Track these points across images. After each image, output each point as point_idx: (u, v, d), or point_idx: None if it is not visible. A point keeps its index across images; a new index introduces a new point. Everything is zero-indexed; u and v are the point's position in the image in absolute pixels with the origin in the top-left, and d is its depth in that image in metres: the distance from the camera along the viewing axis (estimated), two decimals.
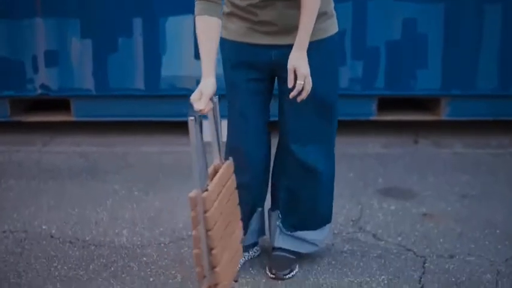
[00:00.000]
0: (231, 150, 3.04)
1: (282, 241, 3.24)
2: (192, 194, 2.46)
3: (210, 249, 2.51)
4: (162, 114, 5.15)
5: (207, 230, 2.49)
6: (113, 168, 4.59)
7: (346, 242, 3.53)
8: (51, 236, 3.58)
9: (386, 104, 5.17)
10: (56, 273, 3.21)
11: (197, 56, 4.89)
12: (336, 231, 3.63)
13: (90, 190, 4.20)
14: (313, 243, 3.26)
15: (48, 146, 5.03)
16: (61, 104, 5.22)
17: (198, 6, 2.82)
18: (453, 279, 3.17)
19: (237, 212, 2.83)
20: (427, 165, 4.63)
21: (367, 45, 4.91)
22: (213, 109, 2.66)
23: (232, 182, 2.78)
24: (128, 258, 3.35)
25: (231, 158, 2.81)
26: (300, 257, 3.28)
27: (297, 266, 3.24)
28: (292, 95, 2.76)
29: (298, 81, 2.74)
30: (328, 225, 3.27)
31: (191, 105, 2.60)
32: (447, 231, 3.66)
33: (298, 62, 2.75)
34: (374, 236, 3.61)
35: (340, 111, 4.89)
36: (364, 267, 3.28)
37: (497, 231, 3.66)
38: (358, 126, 5.29)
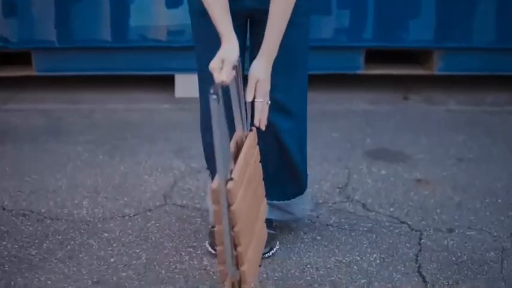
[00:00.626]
0: (205, 109, 2.65)
1: None
2: (215, 185, 2.05)
3: (235, 245, 2.14)
4: (131, 67, 4.77)
5: (233, 226, 2.11)
6: (76, 127, 4.20)
7: (333, 213, 3.18)
8: (3, 208, 3.20)
9: (374, 56, 4.82)
10: (5, 252, 2.83)
11: (169, 4, 4.54)
12: (320, 201, 3.28)
13: (50, 153, 3.82)
14: (291, 213, 2.90)
15: (7, 104, 4.62)
16: (21, 58, 4.80)
17: None
18: (453, 258, 2.83)
19: (262, 191, 2.47)
20: (419, 125, 4.28)
21: None
22: (236, 73, 2.23)
23: (257, 156, 2.42)
24: (87, 235, 2.98)
25: (254, 128, 2.43)
26: (280, 232, 2.93)
27: (277, 243, 2.88)
28: (256, 122, 2.39)
29: (258, 100, 2.38)
30: (307, 191, 2.91)
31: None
32: (444, 200, 3.32)
33: (263, 75, 2.38)
34: (363, 206, 3.25)
35: (324, 65, 4.59)
36: (354, 244, 2.93)
37: (499, 200, 3.31)
38: (343, 81, 4.94)
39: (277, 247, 2.86)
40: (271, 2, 2.41)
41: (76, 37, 4.64)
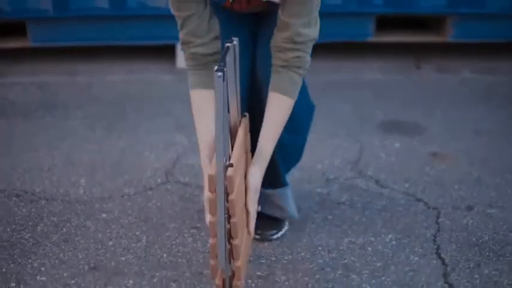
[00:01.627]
0: None
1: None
2: (212, 171, 1.88)
3: (230, 238, 1.97)
4: (130, 37, 4.56)
5: (229, 217, 1.93)
6: (74, 101, 4.01)
7: (345, 190, 3.00)
8: None
9: (384, 23, 4.61)
10: None
11: None
12: (331, 177, 3.10)
13: (47, 129, 3.63)
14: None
15: (2, 77, 4.42)
16: (15, 28, 4.59)
17: (190, 78, 2.25)
18: (473, 238, 2.65)
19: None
20: (433, 95, 4.09)
21: None
22: (232, 55, 2.04)
23: (248, 142, 2.25)
24: (83, 216, 2.80)
25: (247, 114, 2.25)
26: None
27: (287, 224, 2.70)
28: (252, 230, 2.18)
29: (251, 208, 2.17)
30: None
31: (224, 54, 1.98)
32: (462, 175, 3.13)
33: (260, 183, 2.18)
34: (377, 182, 3.07)
35: (332, 32, 4.38)
36: (367, 224, 2.75)
37: None
38: (352, 49, 4.73)
39: (286, 228, 2.69)
40: (266, 109, 2.21)
41: (72, 5, 4.43)
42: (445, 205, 2.88)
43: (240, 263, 2.01)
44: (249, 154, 2.26)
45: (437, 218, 2.79)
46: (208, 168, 2.08)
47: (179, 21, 2.19)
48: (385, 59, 4.67)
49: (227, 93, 1.92)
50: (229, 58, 1.98)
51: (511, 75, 4.43)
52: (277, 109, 2.21)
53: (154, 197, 2.94)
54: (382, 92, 4.14)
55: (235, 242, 1.98)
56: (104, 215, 2.81)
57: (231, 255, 2.03)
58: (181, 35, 2.21)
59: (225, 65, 1.86)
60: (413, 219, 2.78)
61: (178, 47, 4.51)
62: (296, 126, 2.43)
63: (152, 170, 3.17)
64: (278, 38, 2.17)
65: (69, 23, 4.50)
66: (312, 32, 2.15)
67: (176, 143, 3.45)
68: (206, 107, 2.22)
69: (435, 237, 2.66)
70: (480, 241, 2.63)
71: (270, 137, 2.20)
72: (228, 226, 1.96)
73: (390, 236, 2.67)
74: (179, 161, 3.26)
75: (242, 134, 2.13)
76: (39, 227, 2.72)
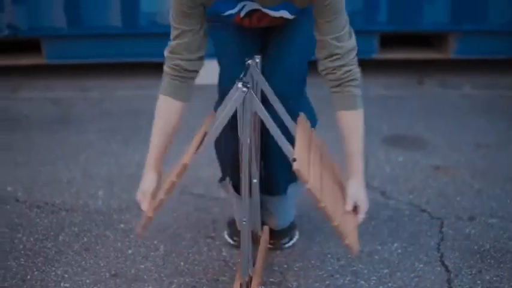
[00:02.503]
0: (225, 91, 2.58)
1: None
2: (296, 166, 2.06)
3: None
4: (143, 54, 4.70)
5: (318, 202, 2.11)
6: (88, 116, 4.15)
7: None
8: (17, 200, 3.15)
9: (388, 40, 4.73)
10: (21, 246, 2.79)
11: None
12: None
13: (63, 143, 3.77)
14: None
15: (17, 93, 4.57)
16: (31, 45, 4.74)
17: (163, 83, 2.35)
18: (475, 247, 2.77)
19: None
20: (435, 110, 4.21)
21: None
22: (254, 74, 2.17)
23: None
24: (103, 226, 2.93)
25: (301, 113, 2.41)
26: (299, 221, 2.88)
27: (297, 233, 2.83)
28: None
29: (361, 216, 2.29)
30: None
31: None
32: (464, 187, 3.26)
33: (361, 197, 2.30)
34: (383, 193, 3.20)
35: None
36: (374, 233, 2.88)
37: None
38: None
39: (296, 237, 2.81)
40: (342, 129, 2.31)
41: (86, 24, 4.59)
42: (448, 215, 3.01)
43: (348, 241, 2.16)
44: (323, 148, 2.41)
45: (441, 227, 2.92)
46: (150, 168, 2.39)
47: (175, 32, 2.27)
48: (389, 75, 4.80)
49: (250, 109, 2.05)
50: (252, 74, 2.12)
51: (510, 91, 4.55)
52: (355, 125, 2.30)
53: (170, 208, 3.07)
54: (386, 107, 4.26)
55: (334, 224, 2.13)
56: (122, 225, 2.94)
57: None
58: (173, 43, 2.29)
59: (247, 82, 1.99)
60: (418, 229, 2.91)
61: None
62: None
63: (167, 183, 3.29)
64: (321, 61, 2.26)
65: (82, 40, 4.64)
66: (348, 44, 2.24)
67: None
68: (164, 120, 2.42)
69: (439, 245, 2.78)
70: (482, 249, 2.76)
71: (358, 152, 2.30)
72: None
73: (396, 244, 2.79)
74: (192, 174, 3.39)
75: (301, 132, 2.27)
76: (60, 237, 2.85)
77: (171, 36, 2.30)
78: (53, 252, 2.74)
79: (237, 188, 2.63)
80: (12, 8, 4.56)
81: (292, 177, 2.71)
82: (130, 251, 2.75)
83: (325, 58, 2.24)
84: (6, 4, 4.54)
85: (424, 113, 4.16)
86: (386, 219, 2.98)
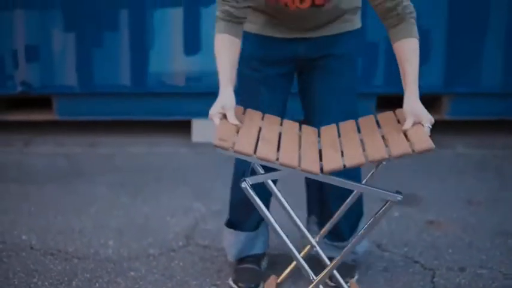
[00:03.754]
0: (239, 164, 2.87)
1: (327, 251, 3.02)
2: None
3: None
4: (150, 112, 4.91)
5: None
6: (98, 170, 4.33)
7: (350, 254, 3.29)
8: (31, 248, 3.33)
9: (385, 102, 4.92)
10: None
11: (187, 51, 4.69)
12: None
13: (74, 195, 3.95)
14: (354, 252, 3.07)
15: (29, 147, 4.76)
16: (43, 102, 4.95)
17: (220, 24, 2.60)
18: None
19: None
20: (430, 168, 4.40)
21: (365, 40, 4.65)
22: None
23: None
24: (114, 273, 3.10)
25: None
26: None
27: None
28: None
29: (426, 125, 2.49)
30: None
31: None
32: (455, 241, 3.44)
33: (419, 105, 2.54)
34: (379, 246, 3.38)
35: None
36: (370, 282, 3.05)
37: (509, 240, 3.44)
38: None
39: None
40: (403, 56, 2.59)
41: (96, 82, 4.77)
42: (439, 266, 3.18)
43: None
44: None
45: (433, 277, 3.09)
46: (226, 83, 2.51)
47: None
48: None
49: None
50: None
51: (503, 150, 4.73)
52: (413, 49, 2.59)
53: (177, 258, 3.24)
54: (383, 166, 4.42)
55: None
56: (132, 273, 3.11)
57: None
58: None
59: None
60: (411, 279, 3.08)
61: (194, 122, 4.85)
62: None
63: (174, 234, 3.47)
64: (380, 5, 2.59)
65: (93, 98, 4.84)
66: None
67: (195, 210, 3.76)
68: (231, 47, 2.57)
69: None
70: None
71: (414, 73, 2.59)
72: None
73: None
74: (198, 226, 3.57)
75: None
76: (74, 282, 3.02)
77: None
78: None
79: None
80: (25, 66, 4.74)
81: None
82: None
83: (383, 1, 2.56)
84: (20, 62, 4.73)
85: (419, 171, 4.34)
86: (381, 270, 3.15)
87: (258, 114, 2.61)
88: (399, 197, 2.37)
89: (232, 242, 3.02)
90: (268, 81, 2.83)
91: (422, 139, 2.33)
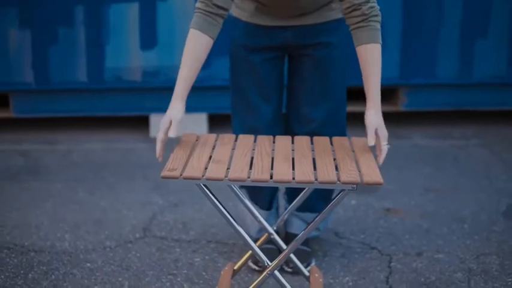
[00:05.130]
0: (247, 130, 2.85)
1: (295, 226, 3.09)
2: None
3: None
4: (107, 108, 4.89)
5: None
6: (55, 167, 4.30)
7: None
8: None
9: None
10: None
11: (143, 46, 4.67)
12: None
13: (30, 191, 3.91)
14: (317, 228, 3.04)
15: None
16: None
17: (195, 18, 2.56)
18: (422, 279, 2.97)
19: None
20: (387, 158, 4.35)
21: None
22: None
23: None
24: (70, 265, 3.08)
25: None
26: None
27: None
28: (380, 160, 2.53)
29: (384, 144, 2.52)
30: None
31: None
32: (413, 227, 3.46)
33: (379, 123, 2.52)
34: (336, 234, 3.39)
35: None
36: (327, 268, 3.06)
37: (465, 225, 3.47)
38: None
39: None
40: (364, 62, 2.53)
41: (53, 79, 4.74)
42: (397, 252, 3.20)
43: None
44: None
45: (390, 262, 3.11)
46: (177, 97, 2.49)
47: None
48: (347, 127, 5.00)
49: None
50: None
51: (460, 141, 4.78)
52: (376, 57, 2.53)
53: (133, 249, 3.23)
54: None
55: None
56: (88, 264, 3.09)
57: None
58: None
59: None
60: (368, 264, 3.09)
61: (152, 117, 4.83)
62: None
63: (131, 226, 3.46)
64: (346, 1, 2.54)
65: (50, 95, 4.80)
66: None
67: (152, 203, 3.74)
68: (196, 52, 2.52)
69: (388, 278, 2.97)
70: (428, 281, 2.95)
71: (377, 83, 2.52)
72: None
73: (347, 278, 2.98)
74: (156, 218, 3.55)
75: None
76: (30, 275, 2.99)
77: None
78: None
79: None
80: None
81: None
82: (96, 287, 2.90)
83: None
84: None
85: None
86: (338, 256, 3.16)
87: (212, 137, 2.62)
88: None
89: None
90: (260, 64, 2.86)
91: (374, 173, 2.40)
